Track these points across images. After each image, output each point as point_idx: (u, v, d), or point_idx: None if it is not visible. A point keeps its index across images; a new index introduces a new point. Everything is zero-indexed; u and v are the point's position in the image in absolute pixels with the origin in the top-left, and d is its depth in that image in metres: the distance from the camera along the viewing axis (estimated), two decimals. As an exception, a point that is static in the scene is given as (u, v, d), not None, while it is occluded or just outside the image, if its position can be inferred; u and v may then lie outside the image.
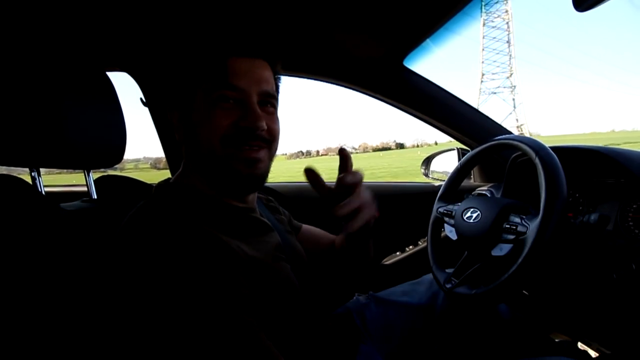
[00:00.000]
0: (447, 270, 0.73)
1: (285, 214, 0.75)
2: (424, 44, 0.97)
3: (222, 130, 0.49)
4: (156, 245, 0.40)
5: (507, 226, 0.62)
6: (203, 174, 0.53)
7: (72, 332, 0.48)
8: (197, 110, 0.50)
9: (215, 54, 0.50)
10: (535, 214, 0.56)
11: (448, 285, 0.69)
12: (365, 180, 0.54)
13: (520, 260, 0.55)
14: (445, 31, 0.91)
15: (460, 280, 0.68)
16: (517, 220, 0.61)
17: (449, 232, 0.75)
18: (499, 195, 0.86)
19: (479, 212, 0.67)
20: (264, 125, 0.50)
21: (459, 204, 0.75)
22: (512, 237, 0.60)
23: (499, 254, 0.62)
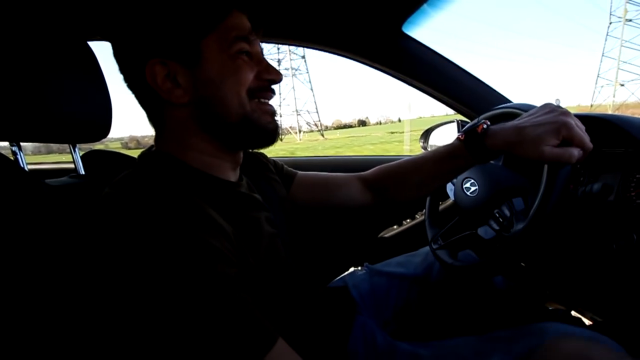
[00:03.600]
0: (438, 228, 0.75)
1: (278, 165, 0.72)
2: (423, 8, 0.92)
3: (248, 83, 0.49)
4: (142, 218, 0.38)
5: (497, 213, 0.61)
6: (220, 132, 0.50)
7: (61, 314, 0.47)
8: (214, 66, 0.47)
9: (222, 3, 0.48)
10: (534, 194, 0.54)
11: (434, 245, 0.71)
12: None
13: (493, 256, 0.57)
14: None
15: (445, 243, 0.69)
16: (507, 213, 0.60)
17: (449, 190, 0.75)
18: (500, 163, 0.85)
19: (477, 186, 0.67)
20: (282, 77, 0.52)
21: None
22: (497, 227, 0.61)
23: (482, 235, 0.63)
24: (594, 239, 0.63)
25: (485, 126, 0.56)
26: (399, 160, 0.72)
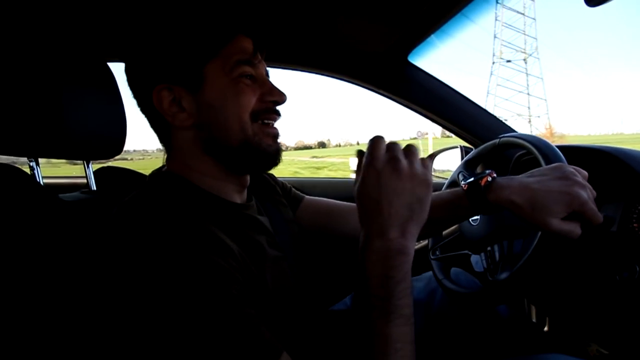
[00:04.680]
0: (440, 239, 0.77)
1: (286, 188, 0.72)
2: (429, 39, 0.96)
3: (250, 107, 0.49)
4: (149, 237, 0.39)
5: (489, 251, 0.62)
6: (222, 155, 0.50)
7: (70, 325, 0.48)
8: (215, 90, 0.48)
9: (225, 29, 0.49)
10: (533, 235, 0.53)
11: (432, 256, 0.74)
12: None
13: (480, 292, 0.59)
14: (451, 26, 0.89)
15: (440, 256, 0.72)
16: (497, 256, 0.62)
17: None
18: None
19: (479, 218, 0.68)
20: (286, 97, 0.52)
21: None
22: (485, 266, 0.62)
23: (473, 265, 0.63)
24: (597, 270, 0.63)
25: (489, 179, 0.51)
26: None
